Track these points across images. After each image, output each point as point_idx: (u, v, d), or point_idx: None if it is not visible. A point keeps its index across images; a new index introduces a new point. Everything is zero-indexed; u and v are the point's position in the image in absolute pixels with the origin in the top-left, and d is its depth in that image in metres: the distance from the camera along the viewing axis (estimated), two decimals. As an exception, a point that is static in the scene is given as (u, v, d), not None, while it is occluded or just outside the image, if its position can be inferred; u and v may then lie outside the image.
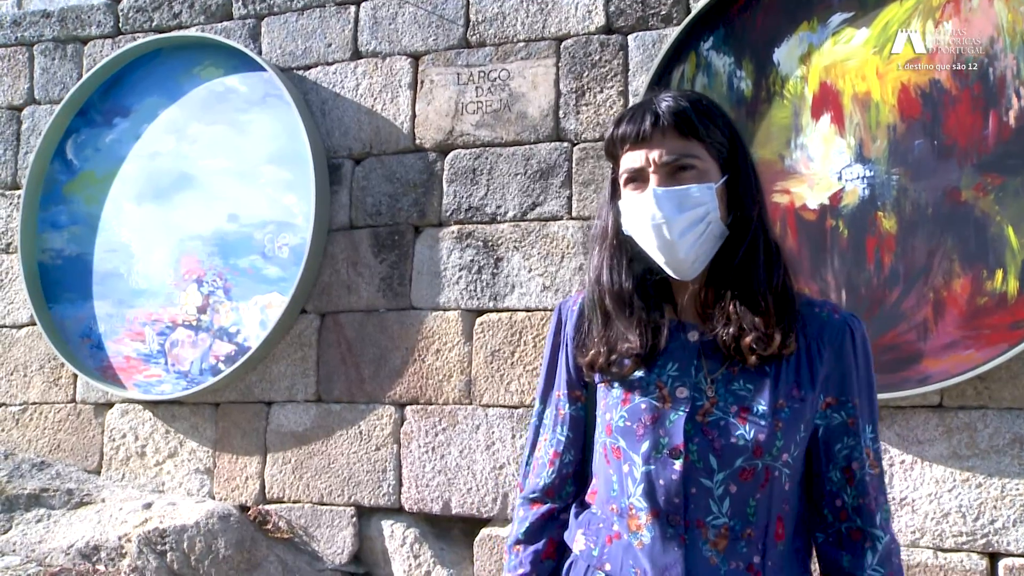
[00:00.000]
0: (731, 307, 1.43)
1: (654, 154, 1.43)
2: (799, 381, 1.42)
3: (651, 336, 1.46)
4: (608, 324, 1.50)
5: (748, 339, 1.40)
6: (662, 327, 1.47)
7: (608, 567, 1.45)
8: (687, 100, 1.45)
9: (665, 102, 1.45)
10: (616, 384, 1.48)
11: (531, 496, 1.61)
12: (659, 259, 1.45)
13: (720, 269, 1.46)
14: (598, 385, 1.52)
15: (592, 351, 1.50)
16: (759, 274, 1.44)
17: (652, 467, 1.41)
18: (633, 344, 1.45)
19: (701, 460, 1.39)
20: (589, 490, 1.56)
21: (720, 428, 1.40)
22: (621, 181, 1.49)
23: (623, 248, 1.51)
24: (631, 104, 3.53)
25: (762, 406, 1.40)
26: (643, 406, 1.43)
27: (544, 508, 1.60)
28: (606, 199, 1.56)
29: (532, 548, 1.58)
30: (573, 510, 1.57)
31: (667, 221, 1.41)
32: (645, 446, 1.42)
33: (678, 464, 1.39)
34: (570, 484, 1.60)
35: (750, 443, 1.38)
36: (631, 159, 1.46)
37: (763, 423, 1.39)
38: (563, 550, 1.58)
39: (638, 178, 1.45)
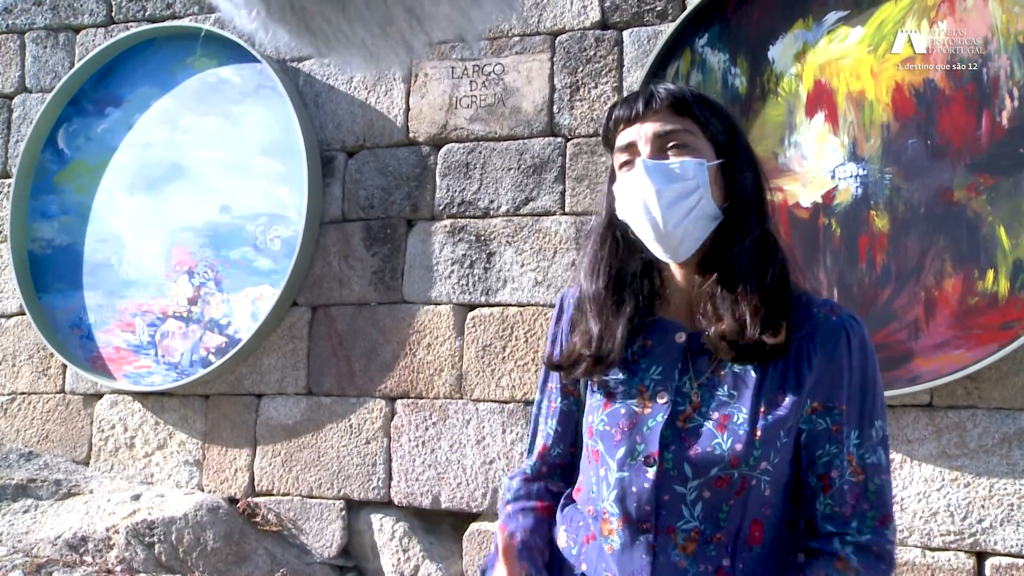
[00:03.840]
0: (717, 299, 1.40)
1: (645, 128, 1.43)
2: (784, 387, 1.38)
3: (619, 338, 1.44)
4: (582, 322, 1.50)
5: (724, 328, 1.37)
6: (643, 329, 1.46)
7: (584, 567, 1.44)
8: (686, 88, 1.47)
9: (662, 86, 1.46)
10: (599, 386, 1.46)
11: (517, 474, 1.62)
12: (648, 236, 1.43)
13: (710, 260, 1.44)
14: (588, 384, 1.51)
15: (558, 349, 1.52)
16: (747, 266, 1.40)
17: (626, 474, 1.38)
18: (590, 348, 1.45)
19: (675, 468, 1.36)
20: (576, 487, 1.55)
21: (698, 436, 1.36)
22: (616, 165, 1.48)
23: (613, 241, 1.51)
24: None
25: (742, 415, 1.36)
26: (622, 411, 1.41)
27: (532, 476, 1.61)
28: (603, 191, 1.55)
29: (524, 503, 1.58)
30: (561, 503, 1.56)
31: (655, 192, 1.39)
32: (621, 452, 1.39)
33: (651, 472, 1.36)
34: (558, 476, 1.59)
35: (726, 453, 1.34)
36: (624, 137, 1.46)
37: (741, 432, 1.34)
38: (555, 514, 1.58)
39: (631, 157, 1.45)
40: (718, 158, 1.45)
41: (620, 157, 1.47)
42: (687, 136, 1.43)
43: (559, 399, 1.58)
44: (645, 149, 1.43)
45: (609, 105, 1.54)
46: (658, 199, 1.39)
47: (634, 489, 1.37)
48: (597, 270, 1.50)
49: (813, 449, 1.40)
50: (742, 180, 1.45)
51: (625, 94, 1.54)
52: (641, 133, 1.43)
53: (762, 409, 1.36)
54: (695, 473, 1.35)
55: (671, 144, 1.42)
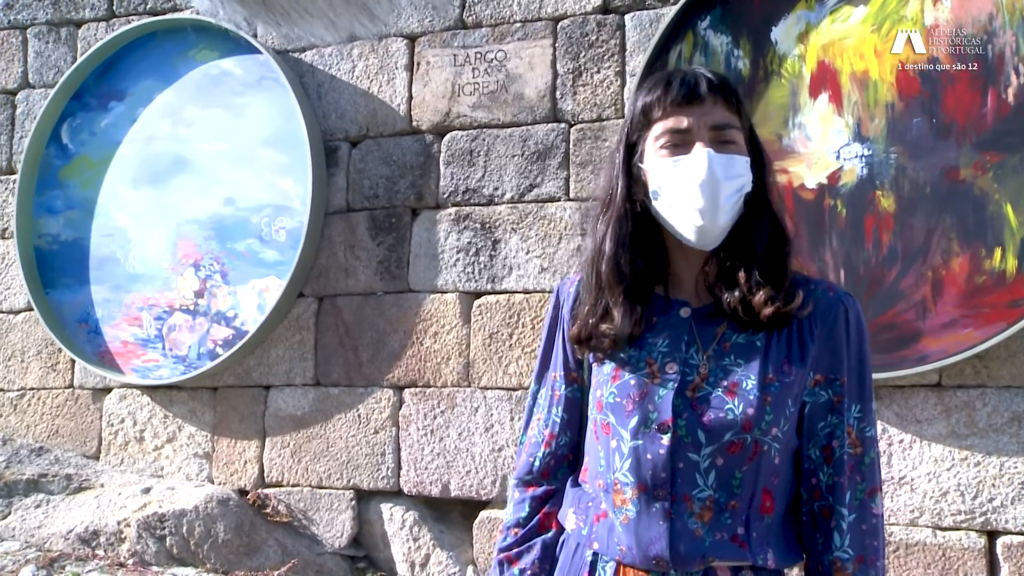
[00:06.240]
0: (741, 274, 1.42)
1: (706, 117, 1.41)
2: (789, 357, 1.41)
3: (636, 317, 1.45)
4: (599, 296, 1.49)
5: (761, 296, 1.40)
6: (648, 306, 1.47)
7: (596, 545, 1.45)
8: (725, 76, 1.47)
9: (710, 72, 1.44)
10: (607, 361, 1.47)
11: (526, 478, 1.61)
12: (693, 222, 1.42)
13: (730, 242, 1.45)
14: (592, 364, 1.52)
15: (579, 323, 1.50)
16: (763, 248, 1.44)
17: (640, 442, 1.40)
18: (615, 325, 1.45)
19: (689, 435, 1.39)
20: (582, 468, 1.56)
21: (709, 403, 1.39)
22: (654, 144, 1.45)
23: (629, 218, 1.49)
24: (626, 82, 3.53)
25: (751, 381, 1.39)
26: (632, 382, 1.43)
27: (540, 490, 1.60)
28: (619, 166, 1.50)
29: (528, 527, 1.59)
30: (567, 487, 1.57)
31: (719, 184, 1.39)
32: (634, 421, 1.41)
33: (666, 439, 1.38)
34: (566, 466, 1.60)
35: (739, 417, 1.37)
36: (677, 120, 1.42)
37: (752, 397, 1.38)
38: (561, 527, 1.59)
39: (680, 141, 1.42)
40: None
41: (665, 138, 1.43)
42: (736, 131, 1.43)
43: (564, 387, 1.58)
44: (704, 137, 1.41)
45: (650, 82, 1.49)
46: (720, 191, 1.39)
47: (649, 456, 1.39)
48: (622, 242, 1.48)
49: (816, 421, 1.44)
50: (762, 171, 1.47)
51: (667, 72, 1.50)
52: (702, 121, 1.41)
53: (769, 377, 1.39)
54: (708, 439, 1.38)
55: (724, 137, 1.42)
